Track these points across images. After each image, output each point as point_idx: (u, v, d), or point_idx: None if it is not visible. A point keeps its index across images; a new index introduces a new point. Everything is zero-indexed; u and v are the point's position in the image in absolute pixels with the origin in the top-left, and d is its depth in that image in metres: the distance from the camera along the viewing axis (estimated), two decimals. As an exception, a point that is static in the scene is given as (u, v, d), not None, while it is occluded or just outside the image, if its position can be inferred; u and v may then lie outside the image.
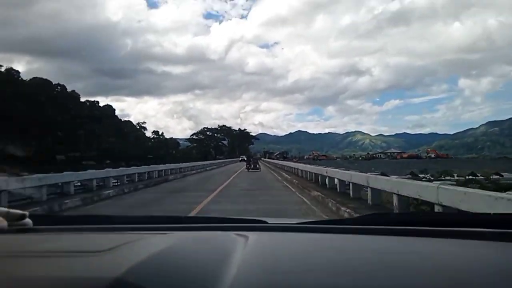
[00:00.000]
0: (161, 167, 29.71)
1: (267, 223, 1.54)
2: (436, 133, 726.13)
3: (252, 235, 1.21)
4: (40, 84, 74.88)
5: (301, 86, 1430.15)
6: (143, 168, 25.17)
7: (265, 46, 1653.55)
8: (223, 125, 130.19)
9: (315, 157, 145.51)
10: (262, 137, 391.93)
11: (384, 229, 1.29)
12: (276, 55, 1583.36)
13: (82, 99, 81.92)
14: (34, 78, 78.36)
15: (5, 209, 1.06)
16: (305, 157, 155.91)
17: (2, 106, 60.02)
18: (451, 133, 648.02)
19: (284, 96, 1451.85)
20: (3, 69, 74.02)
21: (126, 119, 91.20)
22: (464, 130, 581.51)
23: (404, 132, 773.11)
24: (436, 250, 1.07)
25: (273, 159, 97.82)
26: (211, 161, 60.78)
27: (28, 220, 1.18)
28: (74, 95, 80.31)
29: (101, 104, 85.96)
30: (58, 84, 77.71)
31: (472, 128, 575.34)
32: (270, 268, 0.90)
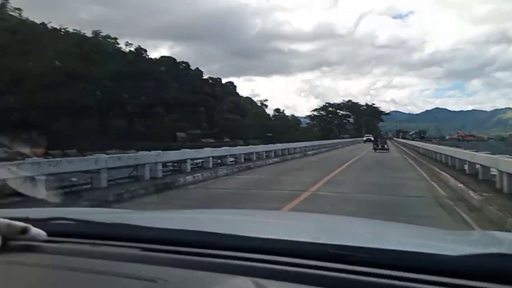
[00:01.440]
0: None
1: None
2: None
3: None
4: (165, 62, 76.67)
5: (440, 58, 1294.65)
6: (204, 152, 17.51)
7: (398, 16, 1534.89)
8: (349, 100, 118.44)
9: (461, 137, 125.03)
10: (394, 115, 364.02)
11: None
12: (411, 26, 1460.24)
13: (205, 77, 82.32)
14: (162, 57, 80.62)
15: (6, 221, 0.88)
16: (446, 138, 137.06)
17: (129, 84, 62.17)
18: None
19: (419, 70, 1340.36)
20: (132, 48, 77.87)
21: (247, 96, 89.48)
22: None
23: None
24: None
25: (408, 139, 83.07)
26: (320, 142, 44.84)
27: (36, 232, 0.94)
28: (197, 73, 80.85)
29: (226, 82, 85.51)
30: (183, 62, 78.86)
31: None
32: None
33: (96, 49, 70.62)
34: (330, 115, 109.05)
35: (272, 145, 28.33)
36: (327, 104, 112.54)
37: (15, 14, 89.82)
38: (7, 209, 1.55)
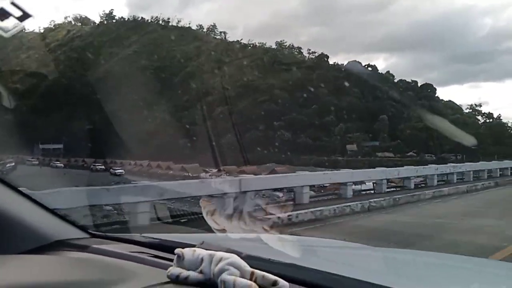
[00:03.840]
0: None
1: None
2: None
3: None
4: (350, 67, 70.05)
5: None
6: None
7: None
8: None
9: None
10: None
11: None
12: None
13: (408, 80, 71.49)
14: (349, 62, 74.33)
15: (261, 273, 0.99)
16: None
17: (302, 93, 58.27)
18: None
19: None
20: (313, 56, 74.17)
21: (449, 100, 73.59)
22: None
23: None
24: None
25: None
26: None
27: (283, 285, 1.01)
28: (387, 77, 71.13)
29: (422, 85, 72.90)
30: (369, 66, 70.70)
31: None
32: None
33: (276, 60, 70.10)
34: None
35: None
36: None
37: (220, 36, 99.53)
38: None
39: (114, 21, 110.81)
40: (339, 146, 49.74)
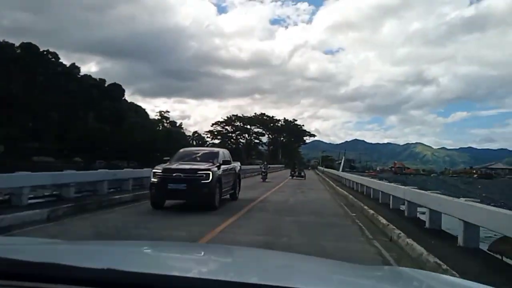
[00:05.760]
0: None
1: None
2: (507, 149, 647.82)
3: None
4: (23, 49, 56.53)
5: (363, 94, 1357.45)
6: None
7: (329, 52, 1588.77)
8: (262, 113, 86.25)
9: (397, 169, 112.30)
10: (316, 145, 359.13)
11: None
12: (340, 61, 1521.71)
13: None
14: (22, 42, 59.97)
15: None
16: (378, 169, 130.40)
17: None
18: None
19: (343, 103, 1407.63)
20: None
21: (132, 102, 71.64)
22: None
23: (470, 147, 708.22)
24: None
25: (335, 168, 64.93)
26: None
27: None
28: (70, 69, 61.53)
29: (109, 84, 66.85)
30: (48, 52, 59.18)
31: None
32: None
33: None
34: (238, 132, 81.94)
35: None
36: (233, 117, 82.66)
37: None
38: None
39: None
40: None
